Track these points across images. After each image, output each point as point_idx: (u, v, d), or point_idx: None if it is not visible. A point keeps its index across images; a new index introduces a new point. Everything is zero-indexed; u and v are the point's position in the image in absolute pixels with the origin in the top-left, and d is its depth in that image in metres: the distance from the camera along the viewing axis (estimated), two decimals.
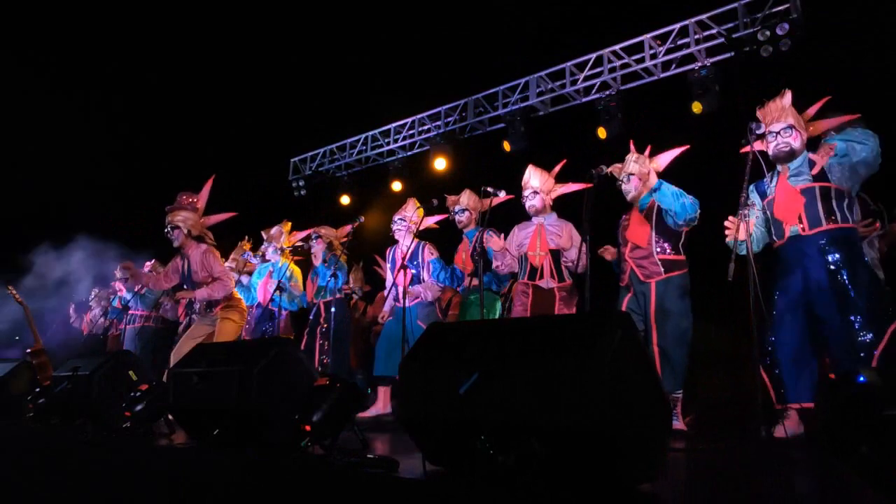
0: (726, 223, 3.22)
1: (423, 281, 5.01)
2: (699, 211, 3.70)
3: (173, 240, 4.93)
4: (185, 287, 5.02)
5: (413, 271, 5.00)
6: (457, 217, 5.10)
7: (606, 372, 1.52)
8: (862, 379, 1.57)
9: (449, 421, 1.83)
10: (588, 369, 1.54)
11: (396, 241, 5.27)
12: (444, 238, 5.39)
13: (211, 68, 9.41)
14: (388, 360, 4.77)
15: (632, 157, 3.98)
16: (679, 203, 3.64)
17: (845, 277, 3.03)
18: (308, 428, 2.27)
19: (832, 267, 3.07)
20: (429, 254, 5.06)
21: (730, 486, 1.93)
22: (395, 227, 5.22)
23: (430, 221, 5.33)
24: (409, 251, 4.98)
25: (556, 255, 4.36)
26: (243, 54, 9.33)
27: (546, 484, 1.60)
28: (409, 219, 5.21)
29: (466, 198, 5.10)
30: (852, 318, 2.95)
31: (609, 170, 4.13)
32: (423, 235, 5.21)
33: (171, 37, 9.28)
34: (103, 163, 9.55)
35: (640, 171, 3.91)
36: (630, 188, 3.95)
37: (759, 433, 2.83)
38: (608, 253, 4.14)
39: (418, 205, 5.31)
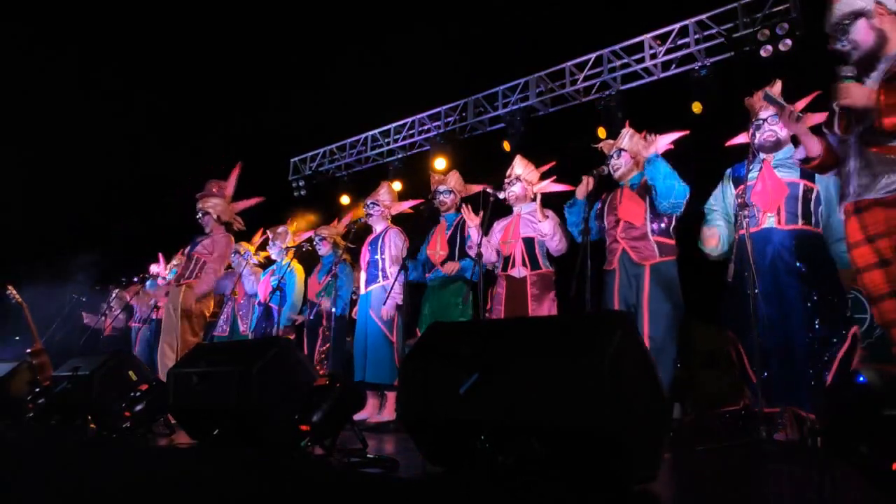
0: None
1: (382, 269, 4.83)
2: (687, 199, 3.63)
3: (204, 225, 5.24)
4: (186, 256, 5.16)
5: (369, 257, 4.88)
6: (440, 197, 4.77)
7: (606, 372, 1.52)
8: (862, 379, 1.57)
9: (449, 421, 1.83)
10: (588, 369, 1.54)
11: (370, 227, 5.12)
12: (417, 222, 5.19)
13: (211, 69, 9.41)
14: (361, 365, 4.70)
15: (627, 132, 3.94)
16: (667, 183, 3.54)
17: (813, 282, 3.01)
18: (308, 428, 2.27)
19: (800, 270, 3.05)
20: (400, 240, 4.89)
21: (729, 486, 1.93)
22: (367, 211, 5.05)
23: (405, 206, 5.23)
24: (375, 235, 4.93)
25: (529, 242, 4.25)
26: (243, 55, 9.34)
27: (546, 484, 1.60)
28: (383, 203, 5.08)
29: (455, 180, 4.85)
30: (817, 321, 2.95)
31: (600, 146, 4.11)
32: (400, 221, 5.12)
33: (170, 37, 9.29)
34: (101, 163, 9.56)
35: (632, 148, 3.87)
36: (620, 163, 3.85)
37: (758, 434, 2.82)
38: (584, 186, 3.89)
39: (393, 189, 5.19)
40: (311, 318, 5.49)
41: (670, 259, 3.68)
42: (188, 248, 5.26)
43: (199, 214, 5.22)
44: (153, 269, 7.30)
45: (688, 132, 3.98)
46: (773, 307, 3.06)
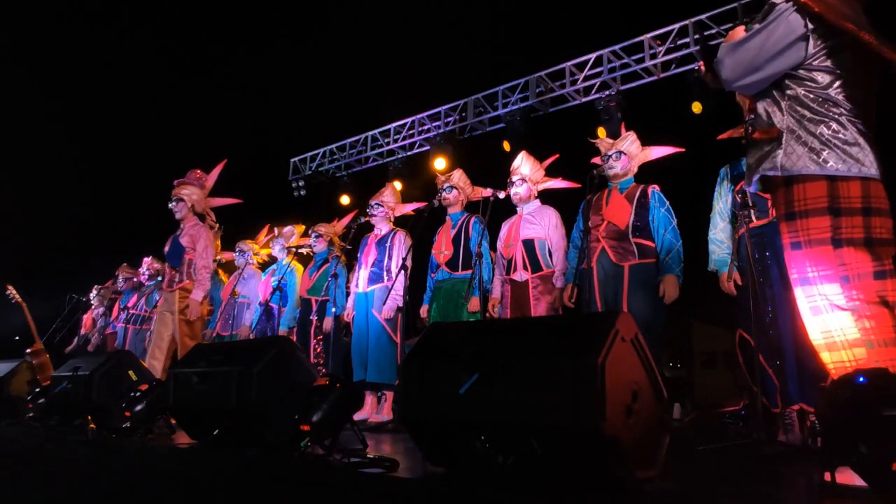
0: None
1: (387, 269, 4.82)
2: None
3: (176, 212, 5.05)
4: (167, 257, 5.05)
5: (376, 256, 4.87)
6: (443, 194, 4.67)
7: (604, 372, 1.52)
8: (862, 379, 1.57)
9: (449, 421, 1.83)
10: (586, 369, 1.54)
11: (371, 228, 5.10)
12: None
13: (211, 70, 9.42)
14: (361, 365, 4.68)
15: (631, 136, 3.96)
16: (678, 248, 3.66)
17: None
18: (308, 428, 2.27)
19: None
20: (403, 242, 4.86)
21: (729, 486, 1.93)
22: (370, 211, 5.03)
23: (408, 208, 5.22)
24: (382, 236, 4.93)
25: (529, 244, 4.23)
26: (244, 55, 9.35)
27: (546, 483, 1.60)
28: (387, 204, 5.07)
29: (458, 176, 4.79)
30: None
31: (597, 142, 4.11)
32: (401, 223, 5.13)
33: (170, 36, 9.29)
34: (100, 163, 9.56)
35: (632, 152, 3.89)
36: (617, 165, 3.86)
37: (759, 433, 2.82)
38: None
39: (397, 190, 5.19)
40: (302, 314, 5.47)
41: (650, 261, 3.68)
42: (167, 247, 5.11)
43: (173, 201, 5.02)
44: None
45: (682, 150, 4.01)
46: (787, 302, 3.04)
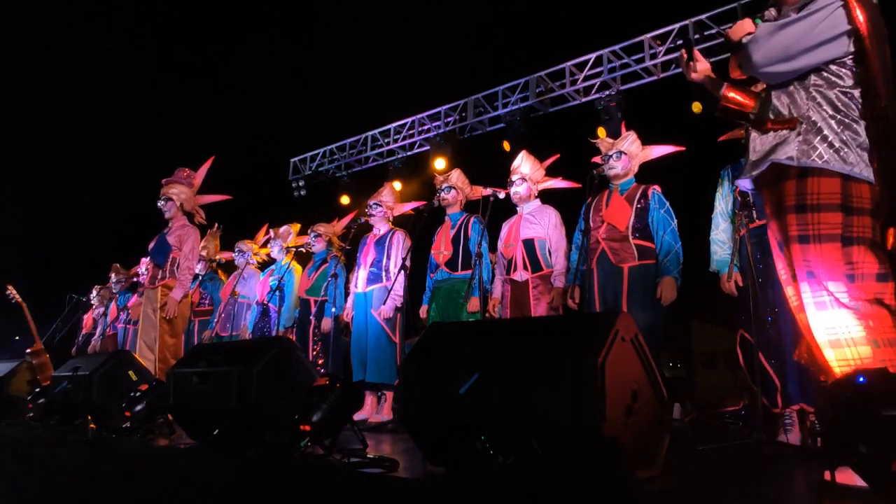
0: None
1: (386, 269, 4.82)
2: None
3: (165, 211, 5.05)
4: (151, 254, 5.03)
5: (374, 256, 4.87)
6: (442, 194, 4.67)
7: (604, 372, 1.52)
8: (862, 379, 1.57)
9: (449, 421, 1.83)
10: (586, 369, 1.54)
11: (371, 228, 5.09)
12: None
13: (211, 70, 9.42)
14: (360, 365, 4.68)
15: (630, 136, 3.96)
16: (676, 251, 3.65)
17: None
18: (308, 428, 2.27)
19: None
20: (406, 243, 4.86)
21: (729, 486, 1.93)
22: (369, 211, 5.02)
23: (407, 208, 5.22)
24: (380, 236, 4.93)
25: (529, 244, 4.23)
26: (244, 55, 9.35)
27: (546, 483, 1.60)
28: (385, 203, 5.06)
29: (457, 176, 4.78)
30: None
31: (597, 142, 4.11)
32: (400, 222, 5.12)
33: (171, 36, 9.29)
34: (99, 163, 9.57)
35: (633, 152, 3.90)
36: (618, 165, 3.85)
37: (759, 433, 2.82)
38: None
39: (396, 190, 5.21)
40: (301, 315, 5.47)
41: (650, 262, 3.67)
42: (152, 243, 5.08)
43: (162, 200, 5.03)
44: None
45: (683, 149, 4.02)
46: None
